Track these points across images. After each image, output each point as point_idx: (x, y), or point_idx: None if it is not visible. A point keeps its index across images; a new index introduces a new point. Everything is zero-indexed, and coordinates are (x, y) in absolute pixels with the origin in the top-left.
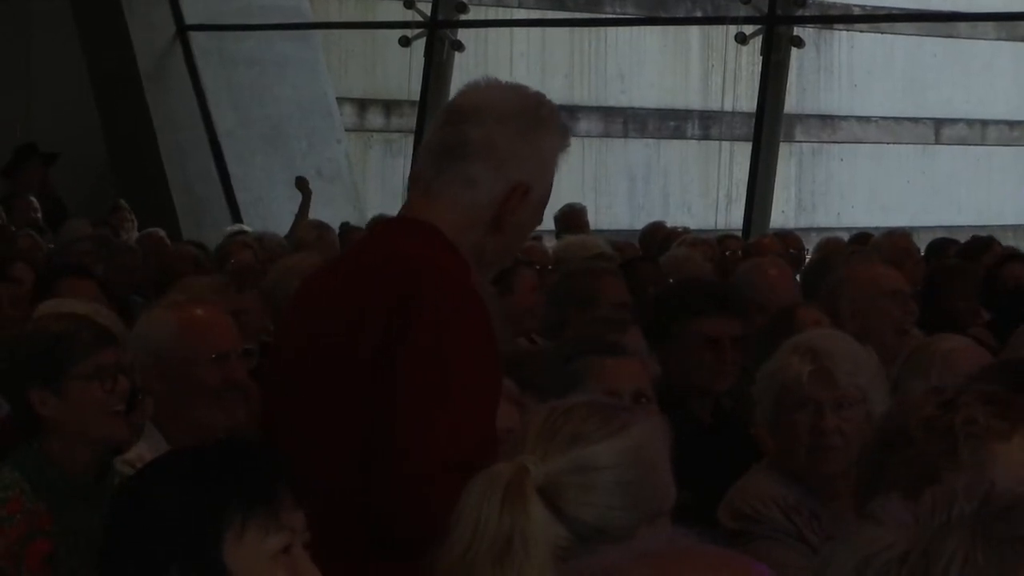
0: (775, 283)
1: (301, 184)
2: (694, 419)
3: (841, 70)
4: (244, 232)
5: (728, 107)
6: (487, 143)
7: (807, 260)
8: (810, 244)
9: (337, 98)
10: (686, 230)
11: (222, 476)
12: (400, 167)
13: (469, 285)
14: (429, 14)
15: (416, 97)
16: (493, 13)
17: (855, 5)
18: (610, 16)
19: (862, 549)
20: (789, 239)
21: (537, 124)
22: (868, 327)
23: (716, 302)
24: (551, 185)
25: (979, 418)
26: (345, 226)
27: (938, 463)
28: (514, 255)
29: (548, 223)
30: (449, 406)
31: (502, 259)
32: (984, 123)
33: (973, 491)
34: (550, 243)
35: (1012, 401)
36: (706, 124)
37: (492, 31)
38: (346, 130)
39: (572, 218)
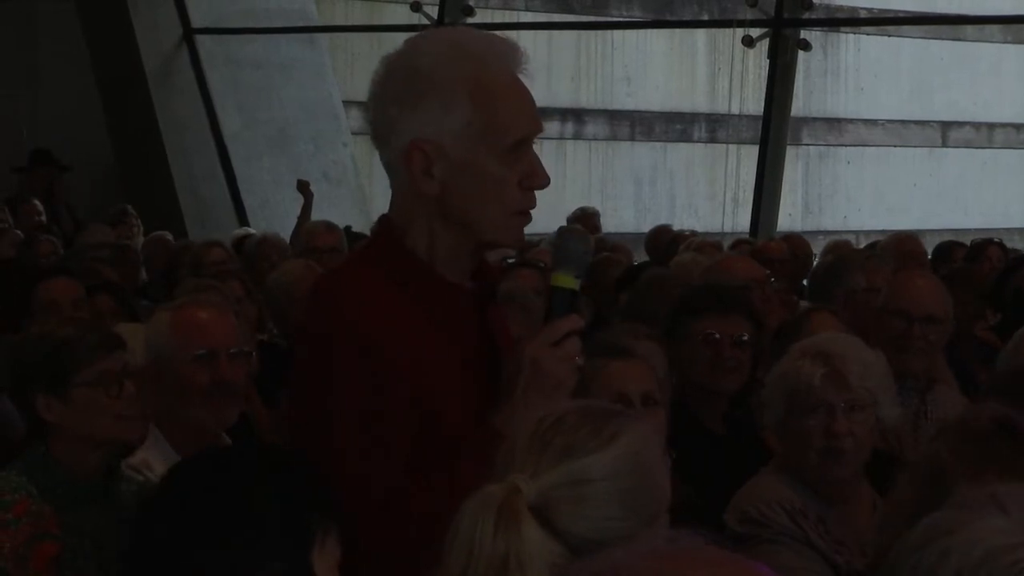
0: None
1: (302, 187)
2: (703, 428)
3: (848, 73)
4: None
5: (735, 110)
6: (373, 123)
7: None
8: (817, 247)
9: (344, 101)
10: (693, 233)
11: (311, 482)
12: None
13: (358, 290)
14: (436, 17)
15: None
16: (500, 16)
17: (861, 8)
18: (616, 19)
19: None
20: (796, 243)
21: (410, 77)
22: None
23: (716, 302)
24: (482, 134)
25: (944, 456)
26: (347, 230)
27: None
28: (495, 238)
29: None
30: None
31: (470, 243)
32: (991, 126)
33: None
34: None
35: (987, 443)
36: (713, 127)
37: (498, 34)
38: (353, 133)
39: (584, 222)
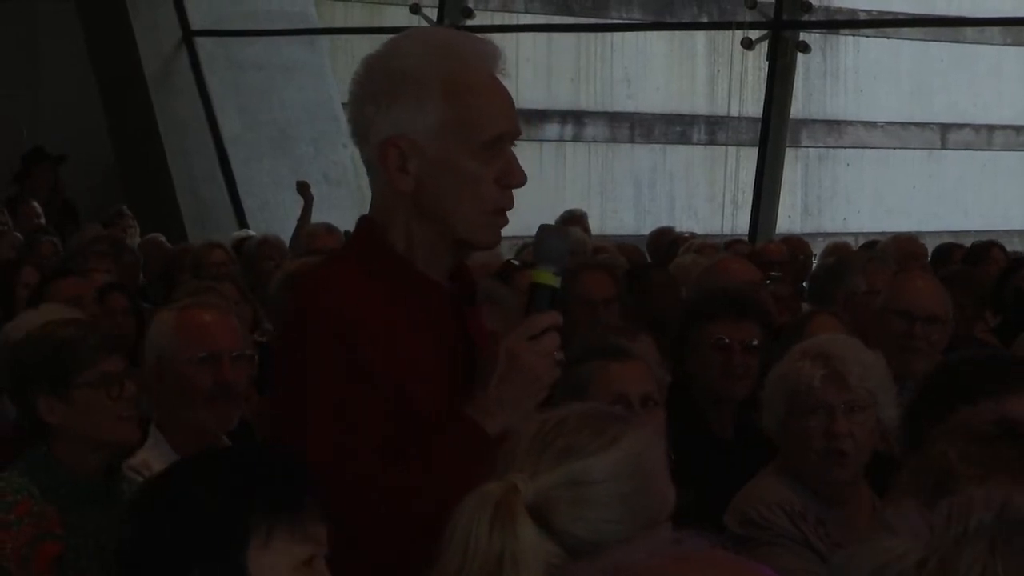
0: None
1: (302, 189)
2: (710, 432)
3: (847, 75)
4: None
5: (734, 112)
6: (352, 122)
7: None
8: (816, 249)
9: (344, 103)
10: (692, 235)
11: (250, 481)
12: None
13: (335, 284)
14: (435, 19)
15: None
16: (499, 18)
17: (861, 10)
18: (616, 21)
19: (877, 557)
20: (796, 245)
21: (389, 76)
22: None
23: (728, 307)
24: (458, 130)
25: (951, 459)
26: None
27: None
28: (469, 235)
29: None
30: (305, 408)
31: (448, 241)
32: (990, 128)
33: (990, 502)
34: None
35: (994, 446)
36: (712, 129)
37: (498, 36)
38: None
39: (572, 224)
